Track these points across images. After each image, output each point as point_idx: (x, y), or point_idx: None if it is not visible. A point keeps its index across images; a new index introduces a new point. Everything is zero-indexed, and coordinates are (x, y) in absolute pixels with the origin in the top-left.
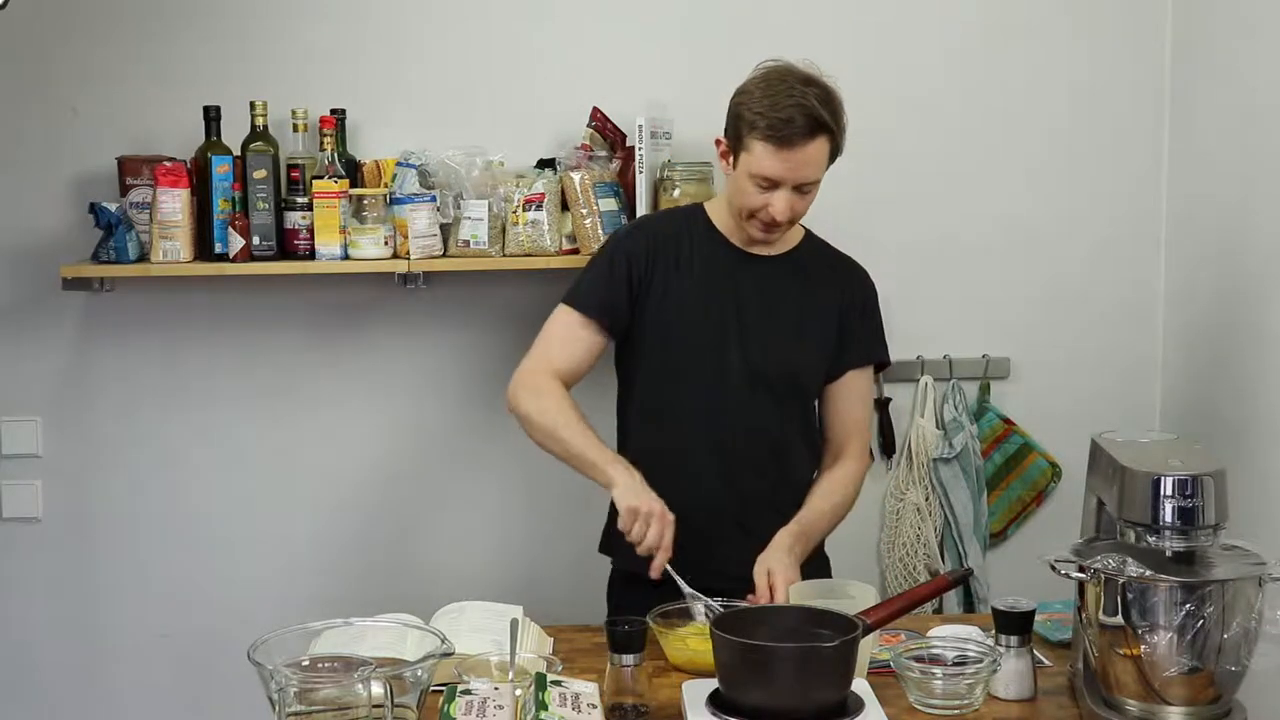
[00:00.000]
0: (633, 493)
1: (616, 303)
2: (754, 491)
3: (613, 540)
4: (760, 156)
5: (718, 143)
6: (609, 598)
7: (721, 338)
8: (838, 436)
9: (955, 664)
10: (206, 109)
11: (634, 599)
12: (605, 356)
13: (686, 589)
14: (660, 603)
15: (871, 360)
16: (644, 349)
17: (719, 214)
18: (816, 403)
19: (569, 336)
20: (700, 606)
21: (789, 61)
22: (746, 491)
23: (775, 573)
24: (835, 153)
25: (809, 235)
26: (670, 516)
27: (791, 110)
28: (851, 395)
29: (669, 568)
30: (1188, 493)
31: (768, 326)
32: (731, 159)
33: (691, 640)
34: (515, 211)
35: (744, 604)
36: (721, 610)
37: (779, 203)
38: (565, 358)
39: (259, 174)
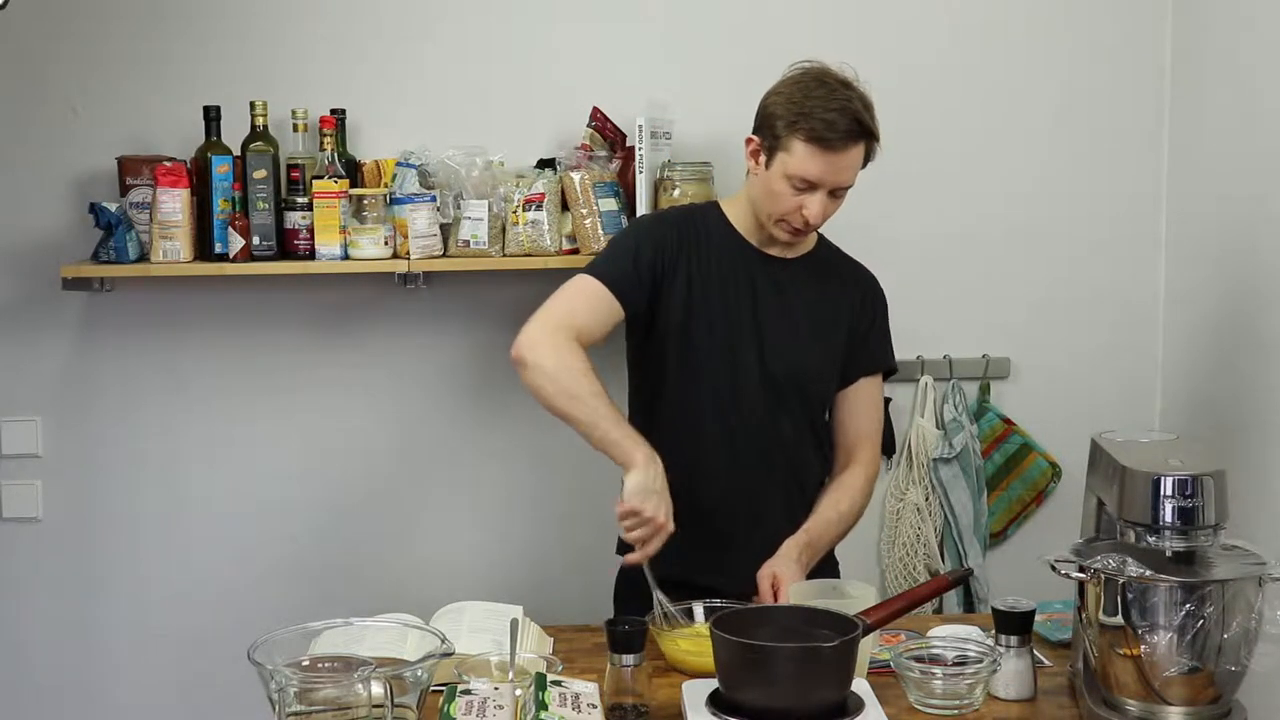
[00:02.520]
0: (640, 493)
1: (640, 285)
2: (763, 491)
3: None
4: (802, 158)
5: (748, 141)
6: (616, 598)
7: (736, 338)
8: (848, 443)
9: (955, 664)
10: (206, 109)
11: (642, 599)
12: (618, 355)
13: (656, 592)
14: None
15: (882, 367)
16: (659, 346)
17: (736, 213)
18: (828, 407)
19: (591, 301)
20: (700, 608)
21: (825, 64)
22: (756, 491)
23: (780, 578)
24: (868, 159)
25: (822, 239)
26: (669, 528)
27: (836, 114)
28: (863, 402)
29: (645, 568)
30: (1188, 493)
31: (782, 328)
32: (764, 159)
33: (682, 641)
34: (515, 211)
35: (741, 605)
36: (677, 614)
37: (813, 205)
38: (583, 320)
39: (259, 174)
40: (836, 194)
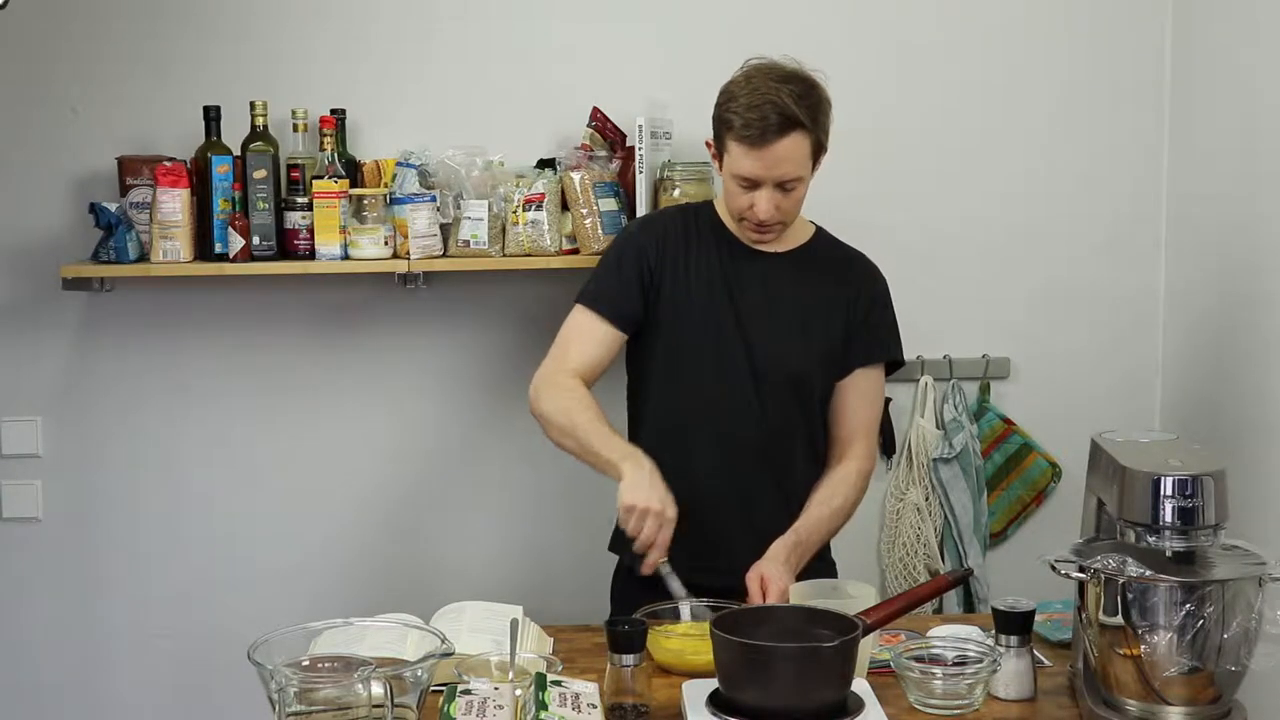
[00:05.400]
0: (633, 489)
1: (629, 299)
2: (758, 488)
3: (622, 539)
4: (737, 156)
5: (708, 145)
6: (613, 595)
7: (727, 335)
8: (843, 436)
9: (955, 664)
10: (206, 109)
11: (638, 597)
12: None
13: (679, 590)
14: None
15: (879, 359)
16: (652, 346)
17: (726, 211)
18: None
19: (585, 336)
20: (688, 607)
21: (773, 59)
22: (750, 488)
23: (769, 579)
24: (818, 148)
25: (819, 232)
26: (671, 514)
27: (764, 108)
28: (858, 394)
29: (661, 567)
30: (1188, 493)
31: (772, 324)
32: (719, 161)
33: (667, 640)
34: (515, 211)
35: (731, 604)
36: (708, 609)
37: (762, 202)
38: (582, 356)
39: (259, 174)
40: (786, 187)
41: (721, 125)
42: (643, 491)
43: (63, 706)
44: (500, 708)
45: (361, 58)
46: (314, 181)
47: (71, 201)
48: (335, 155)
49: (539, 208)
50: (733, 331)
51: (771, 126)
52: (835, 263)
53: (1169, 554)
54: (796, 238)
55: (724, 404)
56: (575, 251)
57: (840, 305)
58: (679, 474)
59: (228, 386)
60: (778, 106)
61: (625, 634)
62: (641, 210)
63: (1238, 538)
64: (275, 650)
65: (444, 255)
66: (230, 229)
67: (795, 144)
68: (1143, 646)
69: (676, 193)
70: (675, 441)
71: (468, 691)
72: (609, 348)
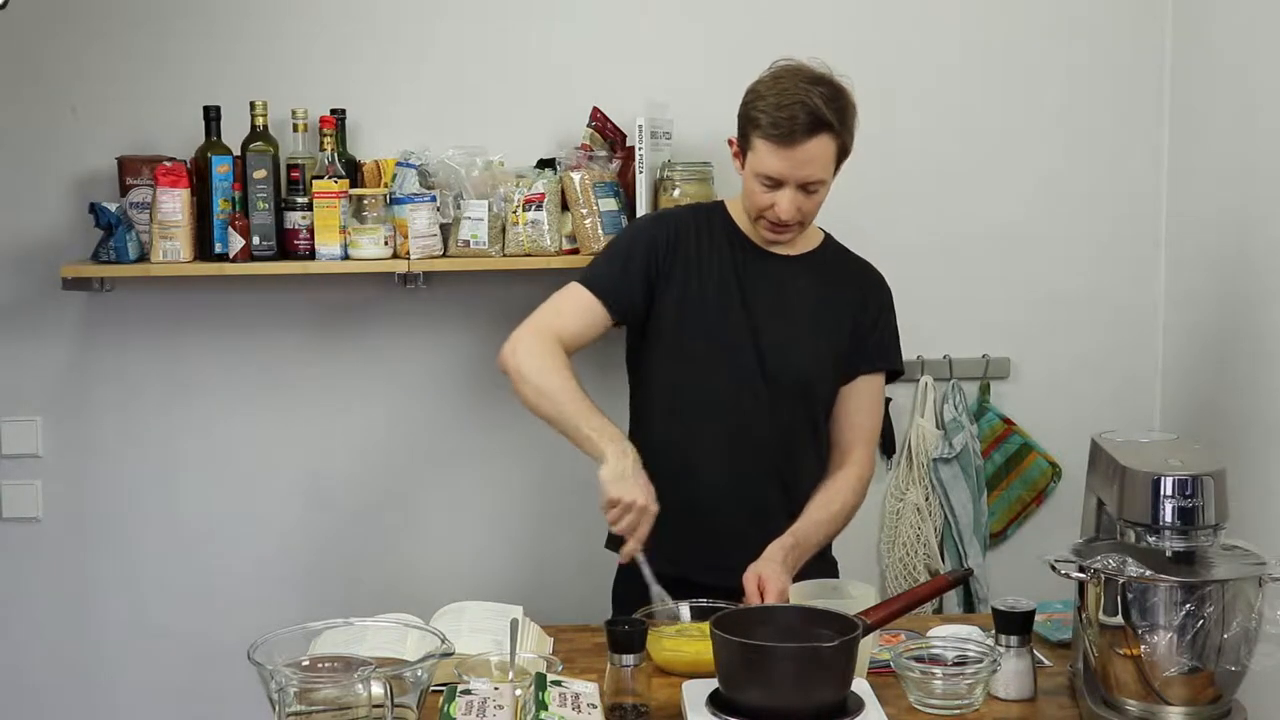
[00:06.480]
0: (618, 482)
1: (630, 290)
2: (763, 488)
3: (616, 536)
4: (763, 155)
5: (730, 143)
6: (613, 595)
7: (734, 335)
8: (844, 441)
9: (955, 664)
10: (206, 109)
11: (638, 597)
12: (617, 350)
13: (651, 580)
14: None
15: (883, 366)
16: (658, 343)
17: (739, 212)
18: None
19: (577, 309)
20: (687, 607)
21: (801, 61)
22: (755, 488)
23: (766, 579)
24: (843, 152)
25: (828, 238)
26: (653, 509)
27: (794, 108)
28: (860, 400)
29: (638, 557)
30: (1188, 493)
31: (781, 326)
32: (741, 159)
33: (665, 640)
34: (515, 211)
35: (728, 605)
36: (674, 609)
37: (784, 202)
38: (569, 327)
39: (259, 174)
40: (809, 189)
41: (748, 123)
42: (628, 485)
43: (63, 706)
44: (500, 708)
45: (361, 58)
46: (314, 181)
47: (71, 201)
48: (335, 155)
49: (539, 208)
50: (744, 332)
51: (800, 126)
52: (844, 268)
53: (1169, 554)
54: (807, 242)
55: (732, 404)
56: (575, 251)
57: (848, 310)
58: (685, 474)
59: (228, 386)
60: (807, 107)
61: (625, 634)
62: (641, 210)
63: (1238, 538)
64: (275, 650)
65: (444, 255)
66: (230, 229)
67: (822, 146)
68: (1143, 646)
69: (676, 193)
70: (682, 441)
71: (468, 691)
72: (596, 324)
